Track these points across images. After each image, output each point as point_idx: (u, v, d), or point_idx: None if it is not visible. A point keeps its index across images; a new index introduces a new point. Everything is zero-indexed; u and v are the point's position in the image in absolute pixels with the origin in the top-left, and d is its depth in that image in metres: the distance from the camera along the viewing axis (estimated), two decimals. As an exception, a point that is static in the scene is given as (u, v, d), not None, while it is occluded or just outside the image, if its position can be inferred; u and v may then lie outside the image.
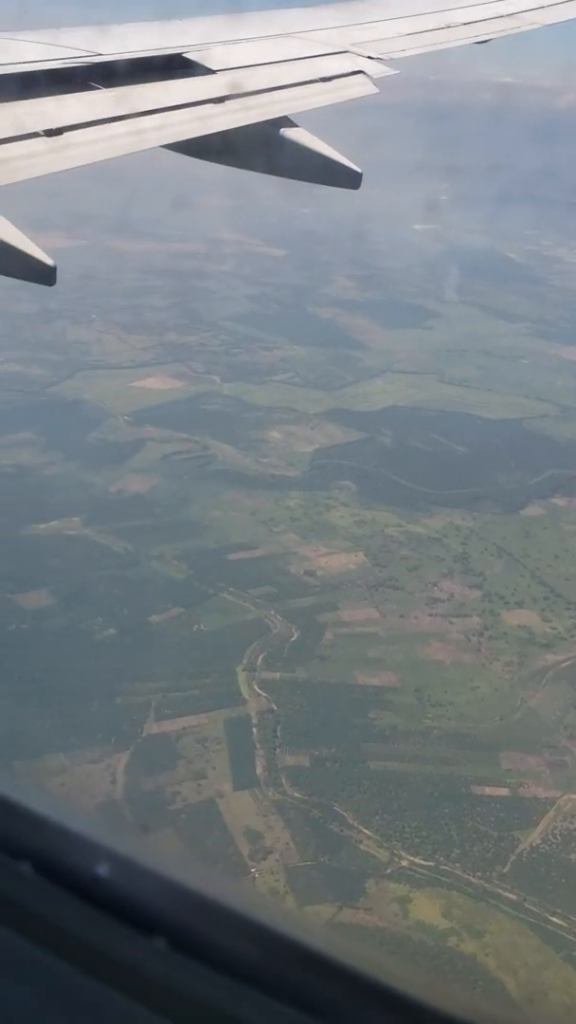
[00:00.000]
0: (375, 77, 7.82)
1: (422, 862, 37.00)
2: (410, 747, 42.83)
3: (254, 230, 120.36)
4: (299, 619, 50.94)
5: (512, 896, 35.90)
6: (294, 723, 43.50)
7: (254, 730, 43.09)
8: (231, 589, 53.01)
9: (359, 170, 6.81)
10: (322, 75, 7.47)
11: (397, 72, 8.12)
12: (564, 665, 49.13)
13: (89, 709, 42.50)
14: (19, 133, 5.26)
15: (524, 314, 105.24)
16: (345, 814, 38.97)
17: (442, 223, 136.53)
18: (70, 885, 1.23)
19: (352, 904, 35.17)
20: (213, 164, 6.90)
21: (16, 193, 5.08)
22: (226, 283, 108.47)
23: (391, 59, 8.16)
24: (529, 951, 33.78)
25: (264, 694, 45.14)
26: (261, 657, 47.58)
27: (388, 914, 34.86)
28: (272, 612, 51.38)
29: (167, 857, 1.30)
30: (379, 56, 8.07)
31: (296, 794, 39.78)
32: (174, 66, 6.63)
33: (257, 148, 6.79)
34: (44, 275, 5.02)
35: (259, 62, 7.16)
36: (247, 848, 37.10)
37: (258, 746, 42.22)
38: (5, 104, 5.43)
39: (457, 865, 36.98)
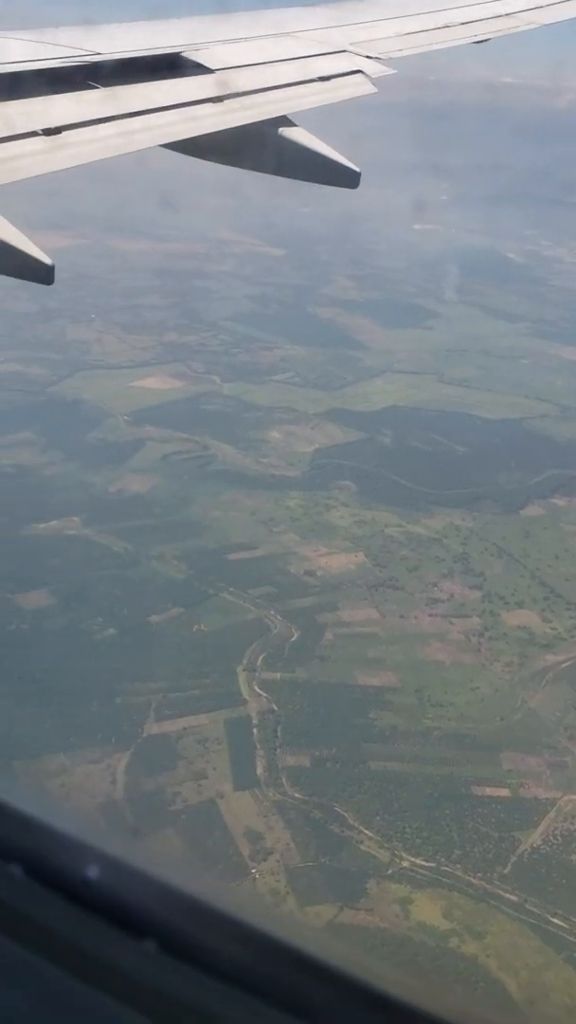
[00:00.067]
0: (373, 77, 7.82)
1: (423, 863, 36.97)
2: (410, 747, 42.81)
3: (254, 230, 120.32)
4: (299, 619, 50.92)
5: (513, 897, 35.88)
6: (294, 723, 43.48)
7: (254, 730, 43.07)
8: (231, 589, 53.00)
9: (358, 169, 6.82)
10: (320, 74, 7.47)
11: (395, 72, 8.13)
12: (564, 665, 49.11)
13: (89, 709, 42.48)
14: (17, 132, 5.26)
15: (524, 314, 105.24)
16: (346, 814, 38.95)
17: (442, 223, 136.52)
18: (60, 887, 1.22)
19: (353, 905, 35.14)
20: (212, 164, 6.90)
21: (15, 192, 5.08)
22: (226, 283, 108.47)
23: (389, 59, 8.16)
24: (530, 952, 33.76)
25: (264, 694, 45.12)
26: (261, 657, 47.56)
27: (389, 915, 34.84)
28: (272, 612, 51.36)
29: (157, 860, 1.29)
30: (377, 56, 8.07)
31: (297, 794, 39.75)
32: (173, 65, 6.63)
33: (256, 147, 6.79)
34: (42, 274, 5.02)
35: (257, 61, 7.15)
36: (248, 849, 37.07)
37: (258, 746, 42.19)
38: (3, 103, 5.43)
39: (458, 866, 36.94)
